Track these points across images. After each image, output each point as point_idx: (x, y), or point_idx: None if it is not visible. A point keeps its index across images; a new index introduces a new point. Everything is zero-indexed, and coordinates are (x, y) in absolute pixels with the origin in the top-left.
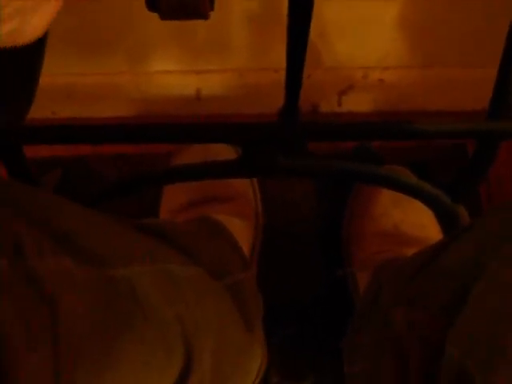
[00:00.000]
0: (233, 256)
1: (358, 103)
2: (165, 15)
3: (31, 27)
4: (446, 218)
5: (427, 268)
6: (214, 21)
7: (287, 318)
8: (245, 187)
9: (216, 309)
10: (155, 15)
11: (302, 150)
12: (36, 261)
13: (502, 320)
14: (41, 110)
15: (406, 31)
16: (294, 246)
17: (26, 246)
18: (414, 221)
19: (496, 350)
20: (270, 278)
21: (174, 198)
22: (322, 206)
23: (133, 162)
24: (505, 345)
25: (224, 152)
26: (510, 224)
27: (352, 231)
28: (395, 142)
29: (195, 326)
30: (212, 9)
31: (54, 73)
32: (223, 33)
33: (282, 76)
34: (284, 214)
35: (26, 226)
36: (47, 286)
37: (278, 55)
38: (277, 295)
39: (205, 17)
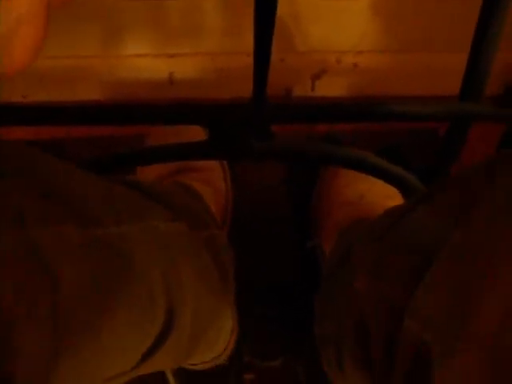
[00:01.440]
0: (206, 215)
1: (332, 88)
2: None
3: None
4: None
5: (390, 233)
6: (187, 4)
7: (260, 299)
8: (214, 164)
9: (196, 262)
10: None
11: (269, 133)
12: (39, 231)
13: (462, 293)
14: (12, 93)
15: (380, 15)
16: (266, 228)
17: (28, 217)
18: (379, 191)
19: (455, 325)
20: (244, 259)
21: (146, 172)
22: (294, 187)
23: (106, 145)
24: (463, 319)
25: (197, 135)
26: (470, 193)
27: (319, 204)
28: (367, 126)
29: (178, 282)
30: None
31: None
32: (196, 16)
33: None
34: (256, 196)
35: (30, 194)
36: (48, 255)
37: (251, 39)
38: (249, 276)
39: None
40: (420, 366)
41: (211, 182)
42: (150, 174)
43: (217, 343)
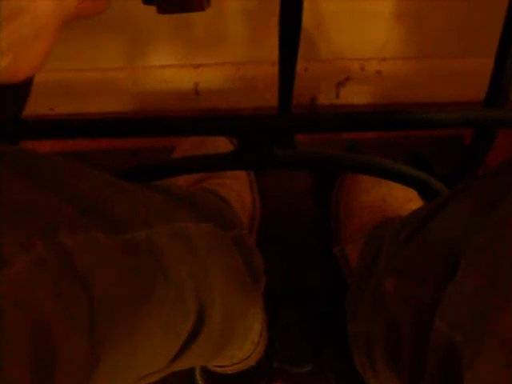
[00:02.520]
0: (232, 216)
1: (356, 95)
2: (161, 9)
3: (25, 64)
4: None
5: (419, 233)
6: (212, 14)
7: (288, 306)
8: (239, 172)
9: (225, 262)
10: (152, 9)
11: (293, 142)
12: (69, 239)
13: (489, 294)
14: (39, 106)
15: (402, 22)
16: (292, 236)
17: (60, 224)
18: (400, 195)
19: (484, 326)
20: (271, 267)
21: (172, 181)
22: (319, 196)
23: (134, 157)
24: (493, 321)
25: (221, 145)
26: (497, 194)
27: (339, 210)
28: (392, 133)
29: (207, 281)
30: (209, 3)
31: (51, 69)
32: (220, 26)
33: None
34: (282, 205)
35: (60, 202)
36: (80, 263)
37: (275, 48)
38: (276, 283)
39: (202, 9)
40: (450, 367)
41: (236, 188)
42: (175, 183)
43: (245, 343)
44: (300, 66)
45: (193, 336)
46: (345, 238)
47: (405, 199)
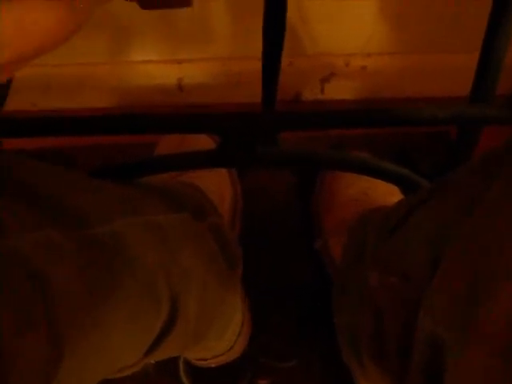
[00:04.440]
0: (207, 205)
1: (341, 90)
2: (144, 4)
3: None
4: None
5: (401, 228)
6: (196, 9)
7: (273, 301)
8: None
9: (200, 250)
10: (135, 4)
11: (276, 139)
12: (18, 238)
13: (473, 287)
14: (21, 102)
15: (387, 17)
16: (276, 232)
17: (7, 224)
18: (381, 189)
19: (466, 318)
20: (254, 263)
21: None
22: (302, 192)
23: (117, 153)
24: (475, 313)
25: (203, 142)
26: (477, 189)
27: (321, 206)
28: (377, 130)
29: (180, 273)
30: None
31: (33, 64)
32: (205, 21)
33: None
34: (265, 202)
35: (9, 200)
36: (33, 261)
37: (261, 43)
38: (259, 279)
39: (189, 4)
40: (435, 362)
41: (215, 181)
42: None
43: (226, 333)
44: (284, 61)
45: (168, 326)
46: (327, 233)
47: (387, 193)
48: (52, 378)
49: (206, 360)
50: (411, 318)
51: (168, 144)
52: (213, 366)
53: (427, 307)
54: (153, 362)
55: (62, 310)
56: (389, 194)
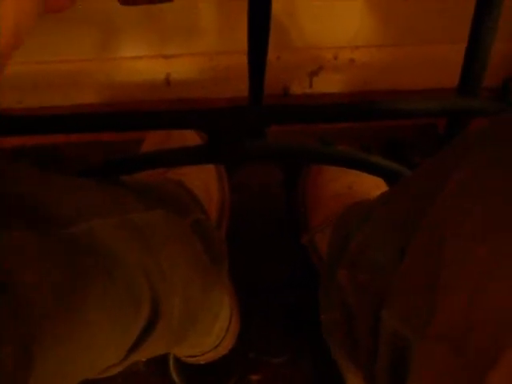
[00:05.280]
0: (190, 202)
1: (330, 84)
2: (124, 0)
3: None
4: None
5: (371, 219)
6: (182, 4)
7: (261, 297)
8: (209, 168)
9: (182, 249)
10: None
11: (263, 134)
12: None
13: (431, 283)
14: (7, 99)
15: (375, 10)
16: (264, 229)
17: None
18: (366, 182)
19: (425, 315)
20: (242, 260)
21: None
22: (290, 188)
23: (106, 149)
24: (432, 309)
25: (189, 138)
26: (437, 179)
27: (306, 201)
28: (366, 123)
29: (161, 271)
30: None
31: (19, 61)
32: (191, 16)
33: None
34: (253, 198)
35: None
36: (1, 263)
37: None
38: (250, 275)
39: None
40: (399, 357)
41: (201, 177)
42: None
43: (213, 329)
44: (272, 54)
45: (150, 325)
46: (313, 228)
47: (372, 186)
48: (22, 380)
49: (194, 357)
50: (378, 315)
51: (154, 141)
52: (202, 362)
53: (390, 305)
54: (143, 359)
55: (32, 313)
56: (375, 188)
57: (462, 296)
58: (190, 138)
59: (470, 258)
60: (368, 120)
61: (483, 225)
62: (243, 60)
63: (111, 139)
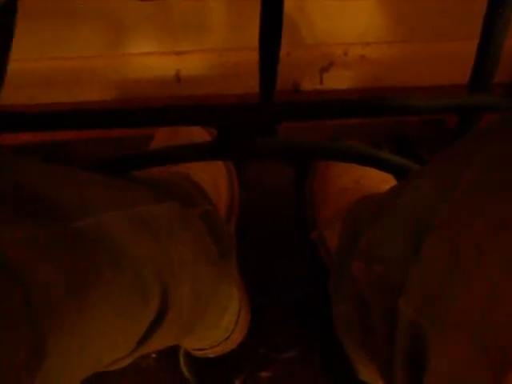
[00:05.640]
0: (198, 195)
1: (340, 80)
2: None
3: None
4: None
5: (383, 214)
6: (193, 0)
7: (271, 293)
8: (218, 164)
9: (191, 241)
10: None
11: (274, 131)
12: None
13: (449, 274)
14: (19, 95)
15: (385, 6)
16: (275, 225)
17: None
18: (374, 176)
19: (444, 307)
20: (252, 256)
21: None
22: (300, 186)
23: (116, 145)
24: (451, 301)
25: (196, 134)
26: (459, 168)
27: (314, 196)
28: (376, 119)
29: (170, 263)
30: None
31: (30, 58)
32: (202, 12)
33: None
34: (263, 195)
35: None
36: (10, 257)
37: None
38: (258, 271)
39: None
40: (417, 348)
41: (210, 171)
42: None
43: (221, 322)
44: (282, 51)
45: (159, 317)
46: (321, 224)
47: (380, 180)
48: (34, 377)
49: (203, 350)
50: (395, 308)
51: (163, 137)
52: (211, 356)
53: (407, 296)
54: (154, 355)
55: (43, 308)
56: (382, 182)
57: (484, 286)
58: (198, 134)
59: (492, 250)
60: (378, 116)
61: (500, 218)
62: (253, 56)
63: (121, 135)
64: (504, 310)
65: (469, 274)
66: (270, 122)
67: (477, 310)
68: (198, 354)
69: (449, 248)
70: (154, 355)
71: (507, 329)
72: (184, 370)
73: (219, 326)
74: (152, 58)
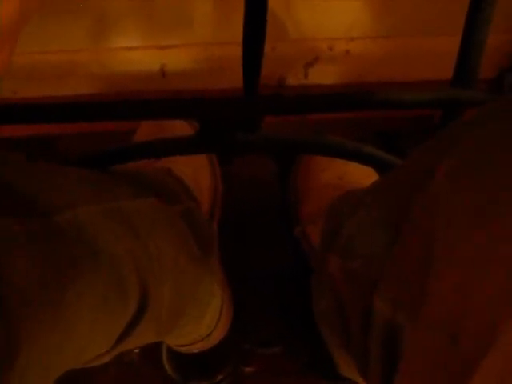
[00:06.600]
0: (181, 191)
1: (325, 75)
2: None
3: None
4: None
5: (361, 207)
6: None
7: (254, 288)
8: (201, 157)
9: (171, 237)
10: None
11: (258, 125)
12: None
13: (425, 267)
14: (1, 90)
15: (371, 1)
16: (258, 220)
17: None
18: (357, 172)
19: (417, 302)
20: (235, 251)
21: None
22: (284, 180)
23: (99, 140)
24: (423, 297)
25: (179, 128)
26: (427, 165)
27: (297, 191)
28: (361, 113)
29: (149, 259)
30: None
31: (14, 52)
32: (186, 7)
33: None
34: (246, 190)
35: None
36: None
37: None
38: (241, 266)
39: None
40: (392, 343)
41: (192, 165)
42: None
43: (203, 319)
44: (267, 45)
45: (138, 314)
46: (304, 219)
47: (363, 176)
48: (8, 366)
49: (185, 346)
50: (370, 301)
51: (146, 131)
52: (195, 351)
53: (382, 292)
54: (137, 350)
55: (16, 304)
56: (365, 177)
57: (456, 281)
58: (181, 128)
59: (465, 244)
60: (362, 110)
61: (476, 212)
62: (238, 51)
63: (105, 130)
64: (473, 302)
65: (441, 265)
66: (253, 116)
67: (449, 301)
68: (182, 349)
69: (423, 240)
70: (136, 350)
71: (475, 318)
72: (166, 366)
73: (201, 322)
74: (137, 53)
